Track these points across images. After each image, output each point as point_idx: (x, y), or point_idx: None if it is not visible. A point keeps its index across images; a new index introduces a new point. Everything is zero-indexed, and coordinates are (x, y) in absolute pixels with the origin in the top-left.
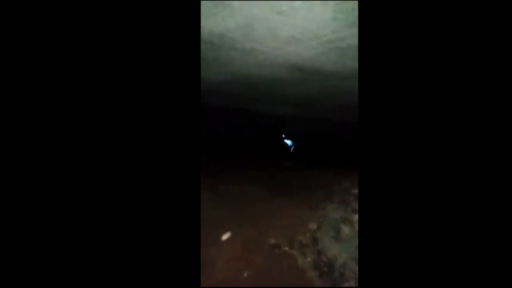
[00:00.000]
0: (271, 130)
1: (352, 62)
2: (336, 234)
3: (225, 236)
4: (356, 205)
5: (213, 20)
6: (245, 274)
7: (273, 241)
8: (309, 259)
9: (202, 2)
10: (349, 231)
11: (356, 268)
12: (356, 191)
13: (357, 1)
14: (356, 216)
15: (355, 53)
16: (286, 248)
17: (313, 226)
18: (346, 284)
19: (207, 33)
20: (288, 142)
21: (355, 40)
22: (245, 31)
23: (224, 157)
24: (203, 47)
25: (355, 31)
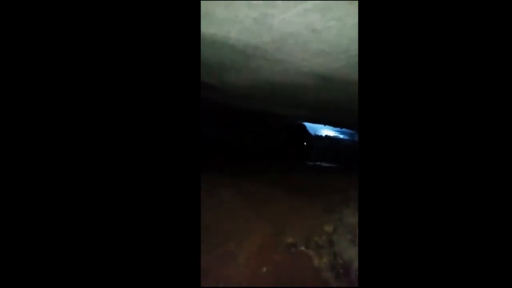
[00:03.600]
0: (291, 133)
1: None
2: (353, 238)
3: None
4: None
5: (251, 35)
6: (264, 269)
7: (290, 240)
8: (325, 260)
9: (242, 20)
10: None
11: None
12: None
13: None
14: None
15: None
16: (303, 248)
17: (329, 228)
18: None
19: (242, 45)
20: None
21: None
22: (278, 45)
23: (247, 159)
24: (235, 56)
25: None
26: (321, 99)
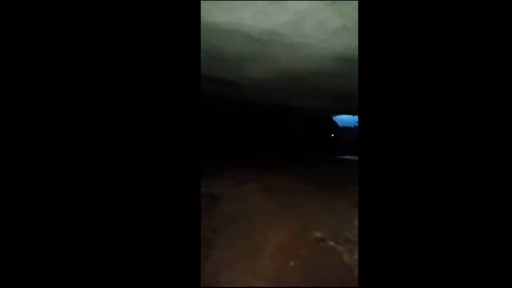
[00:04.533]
0: (317, 126)
1: None
2: None
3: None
4: None
5: (265, 18)
6: (291, 264)
7: (318, 234)
8: (356, 256)
9: (254, 1)
10: None
11: None
12: None
13: None
14: None
15: None
16: (332, 243)
17: None
18: None
19: (257, 32)
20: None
21: None
22: (294, 26)
23: (270, 153)
24: (252, 46)
25: None
26: (345, 86)
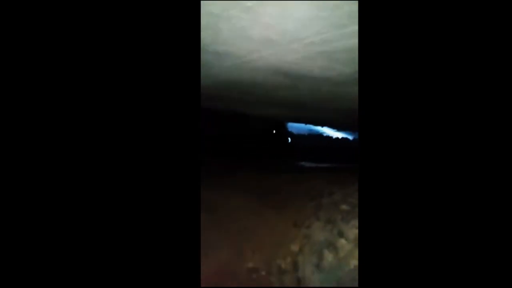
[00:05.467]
0: (262, 133)
1: (343, 67)
2: (318, 261)
3: None
4: (342, 227)
5: None
6: None
7: (251, 264)
8: None
9: None
10: (332, 258)
11: None
12: (345, 207)
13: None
14: (342, 241)
15: (345, 57)
16: (264, 273)
17: (295, 248)
18: None
19: None
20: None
21: (343, 43)
22: (211, 32)
23: (211, 162)
24: None
25: (342, 32)
26: (293, 99)
